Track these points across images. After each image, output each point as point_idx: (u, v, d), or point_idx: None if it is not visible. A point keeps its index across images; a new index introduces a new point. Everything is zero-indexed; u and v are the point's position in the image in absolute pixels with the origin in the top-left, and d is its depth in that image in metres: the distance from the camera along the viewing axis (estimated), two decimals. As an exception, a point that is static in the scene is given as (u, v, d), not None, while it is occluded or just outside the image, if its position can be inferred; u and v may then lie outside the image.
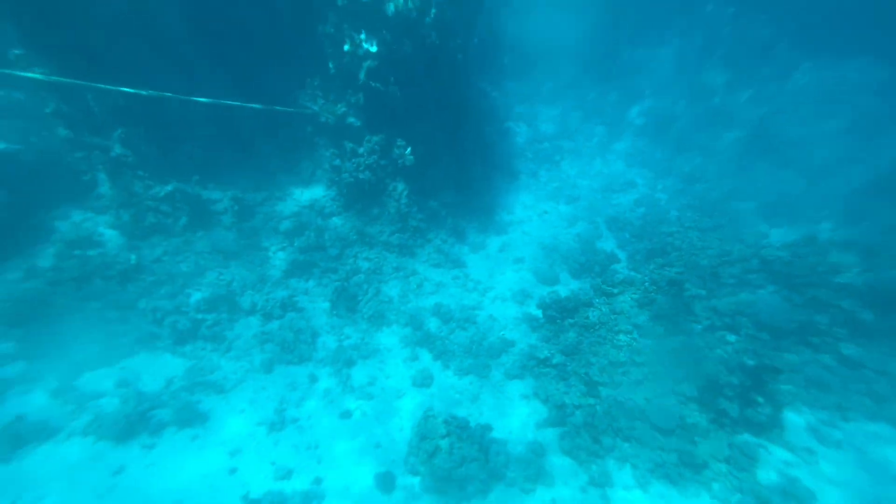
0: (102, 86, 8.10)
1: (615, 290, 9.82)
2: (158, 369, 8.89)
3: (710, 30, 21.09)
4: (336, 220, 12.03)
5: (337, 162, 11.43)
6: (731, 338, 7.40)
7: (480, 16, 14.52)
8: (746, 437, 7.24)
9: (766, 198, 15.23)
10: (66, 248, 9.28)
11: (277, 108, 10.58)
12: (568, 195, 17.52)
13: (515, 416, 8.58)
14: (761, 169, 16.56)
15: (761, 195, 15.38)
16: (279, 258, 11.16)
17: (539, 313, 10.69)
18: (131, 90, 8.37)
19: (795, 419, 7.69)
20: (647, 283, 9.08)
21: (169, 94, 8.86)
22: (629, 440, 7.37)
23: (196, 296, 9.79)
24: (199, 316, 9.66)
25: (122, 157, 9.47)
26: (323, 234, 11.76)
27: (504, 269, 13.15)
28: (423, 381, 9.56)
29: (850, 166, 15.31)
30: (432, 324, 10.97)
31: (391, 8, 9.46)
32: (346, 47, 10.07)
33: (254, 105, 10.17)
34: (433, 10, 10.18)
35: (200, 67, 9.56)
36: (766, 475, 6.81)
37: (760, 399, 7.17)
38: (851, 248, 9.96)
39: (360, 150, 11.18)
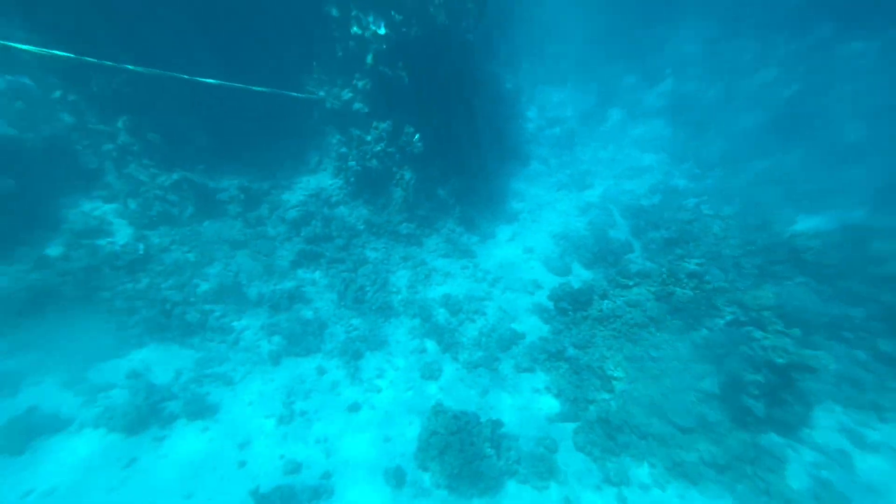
0: (105, 62, 7.77)
1: (630, 283, 9.33)
2: (168, 361, 8.83)
3: (733, 3, 19.69)
4: (343, 210, 11.71)
5: (343, 150, 11.04)
6: (758, 334, 6.91)
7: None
8: (773, 436, 6.82)
9: (795, 182, 14.30)
10: (76, 237, 9.18)
11: (283, 92, 10.18)
12: (580, 182, 16.86)
13: (527, 410, 8.29)
14: (790, 152, 15.56)
15: (789, 179, 14.46)
16: (286, 248, 10.93)
17: (550, 305, 10.30)
18: (136, 68, 8.04)
19: (826, 419, 7.20)
20: (664, 275, 8.57)
21: (175, 74, 8.52)
22: (646, 437, 7.03)
23: (203, 286, 9.65)
24: (207, 307, 9.54)
25: (127, 146, 9.25)
26: (330, 224, 11.47)
27: (514, 259, 12.73)
28: (432, 374, 9.32)
29: (881, 150, 14.18)
30: (441, 315, 10.68)
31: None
32: (353, 30, 9.57)
33: (259, 88, 9.79)
34: (444, -12, 9.59)
35: (200, 48, 9.16)
36: (796, 478, 6.40)
37: (790, 398, 6.72)
38: (893, 237, 9.20)
39: (367, 138, 10.75)
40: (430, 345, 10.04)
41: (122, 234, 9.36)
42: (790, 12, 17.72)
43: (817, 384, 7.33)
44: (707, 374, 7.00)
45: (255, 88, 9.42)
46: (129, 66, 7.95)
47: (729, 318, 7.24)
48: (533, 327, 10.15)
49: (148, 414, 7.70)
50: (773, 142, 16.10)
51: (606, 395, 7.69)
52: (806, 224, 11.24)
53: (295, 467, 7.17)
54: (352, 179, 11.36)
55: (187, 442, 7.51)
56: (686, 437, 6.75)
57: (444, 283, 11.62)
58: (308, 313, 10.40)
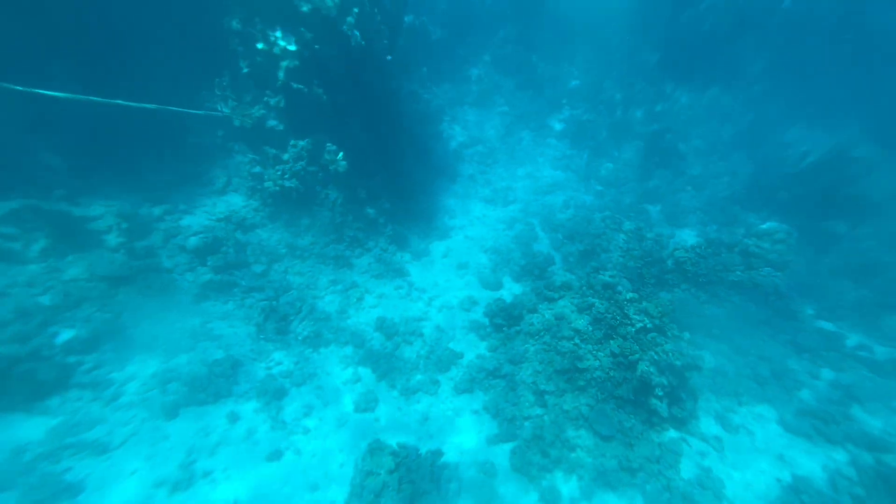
0: None
1: (555, 295, 9.46)
2: (3, 436, 6.29)
3: (606, 52, 22.37)
4: (260, 233, 9.95)
5: (258, 169, 9.40)
6: (661, 339, 7.35)
7: (406, 16, 13.28)
8: (671, 432, 7.25)
9: (666, 202, 16.43)
10: None
11: (177, 109, 8.23)
12: (504, 198, 17.18)
13: (466, 434, 7.72)
14: (659, 176, 17.91)
15: (662, 200, 16.57)
16: (187, 280, 8.83)
17: (486, 321, 9.95)
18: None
19: (705, 409, 7.95)
20: (584, 288, 8.81)
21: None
22: (574, 450, 6.94)
23: (66, 335, 7.19)
24: (72, 359, 7.12)
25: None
26: (244, 249, 9.66)
27: (449, 276, 12.21)
28: (367, 405, 8.24)
29: (717, 179, 17.30)
30: (375, 340, 9.63)
31: (308, 5, 7.88)
32: (259, 45, 8.22)
33: (146, 105, 7.72)
34: (355, 10, 8.80)
35: (54, 57, 6.89)
36: (687, 469, 6.86)
37: (683, 395, 7.21)
38: (733, 250, 10.80)
39: (285, 156, 9.30)
40: (365, 373, 8.94)
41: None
42: (644, 68, 20.88)
43: (701, 379, 8.09)
44: (624, 381, 7.20)
45: (138, 105, 7.37)
46: None
47: (639, 325, 7.57)
48: (470, 345, 9.68)
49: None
50: (646, 167, 18.38)
51: (540, 411, 7.48)
52: (680, 237, 12.85)
53: (193, 553, 5.51)
54: (269, 200, 9.74)
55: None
56: (607, 445, 6.79)
57: (378, 306, 10.57)
58: (217, 352, 8.50)
